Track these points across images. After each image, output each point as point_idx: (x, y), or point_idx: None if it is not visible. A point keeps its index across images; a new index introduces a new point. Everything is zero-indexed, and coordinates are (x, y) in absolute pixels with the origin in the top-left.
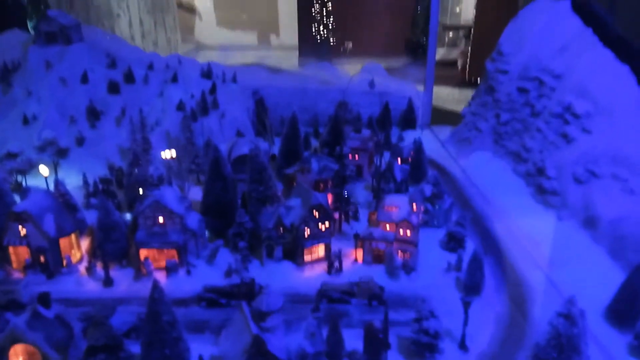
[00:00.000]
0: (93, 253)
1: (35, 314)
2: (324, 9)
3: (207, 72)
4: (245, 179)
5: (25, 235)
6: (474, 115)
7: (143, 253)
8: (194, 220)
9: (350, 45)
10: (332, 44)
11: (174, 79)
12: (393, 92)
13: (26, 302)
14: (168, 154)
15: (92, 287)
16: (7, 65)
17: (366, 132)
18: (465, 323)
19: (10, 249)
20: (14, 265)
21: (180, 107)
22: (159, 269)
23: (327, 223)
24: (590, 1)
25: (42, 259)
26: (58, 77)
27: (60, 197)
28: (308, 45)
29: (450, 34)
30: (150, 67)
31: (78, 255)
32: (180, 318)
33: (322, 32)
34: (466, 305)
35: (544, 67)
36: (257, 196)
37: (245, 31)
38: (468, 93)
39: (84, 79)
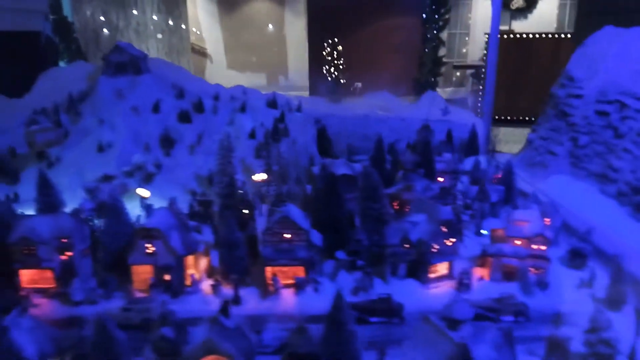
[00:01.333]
0: (214, 272)
1: (218, 325)
2: (335, 51)
3: (272, 102)
4: (348, 198)
5: (152, 253)
6: (544, 140)
7: (269, 270)
8: (316, 237)
9: (359, 85)
10: (341, 84)
11: (243, 109)
12: (454, 120)
13: (158, 321)
14: (260, 177)
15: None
16: (72, 96)
17: (447, 156)
18: (638, 334)
19: (134, 268)
20: (136, 284)
21: (253, 135)
22: (286, 286)
23: (453, 239)
24: None
25: (166, 277)
26: (130, 107)
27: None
28: (318, 85)
29: (458, 73)
30: (216, 97)
31: (198, 274)
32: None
33: (332, 73)
34: (638, 314)
35: (625, 90)
36: (372, 214)
37: (254, 73)
38: None
39: (156, 108)
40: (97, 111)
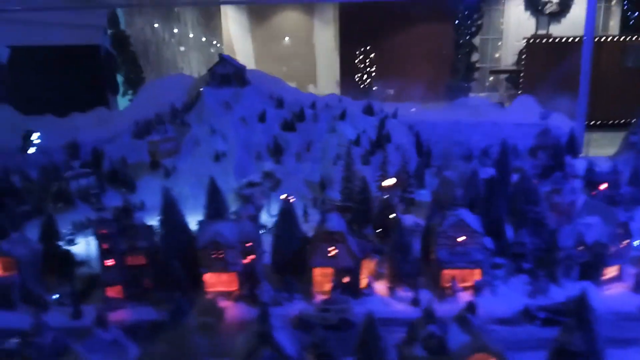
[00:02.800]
0: (379, 275)
1: (465, 323)
2: (367, 59)
3: (368, 108)
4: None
5: (333, 256)
6: None
7: (446, 273)
8: (487, 240)
9: (391, 92)
10: (373, 91)
11: (343, 116)
12: (548, 124)
13: (355, 322)
14: (389, 182)
15: (399, 307)
16: (175, 107)
17: (567, 159)
18: None
19: (315, 270)
20: (316, 286)
21: (357, 142)
22: (463, 289)
23: (627, 241)
24: None
25: (345, 280)
26: (238, 117)
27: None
28: (350, 93)
29: (491, 78)
30: (313, 106)
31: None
32: (510, 337)
33: (364, 80)
34: None
35: None
36: (534, 217)
37: (285, 82)
38: None
39: (261, 118)
40: (205, 122)
